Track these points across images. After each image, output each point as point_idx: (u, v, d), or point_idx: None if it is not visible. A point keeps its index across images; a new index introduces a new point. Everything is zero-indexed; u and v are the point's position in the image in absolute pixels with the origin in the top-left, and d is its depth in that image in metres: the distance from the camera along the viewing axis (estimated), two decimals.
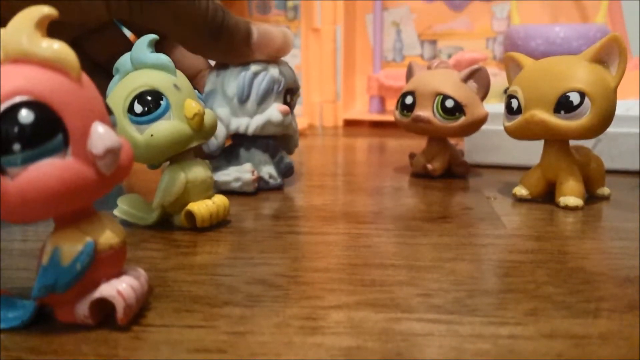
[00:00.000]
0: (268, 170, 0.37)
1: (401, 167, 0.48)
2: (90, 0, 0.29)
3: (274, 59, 0.36)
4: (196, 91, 0.29)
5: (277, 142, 0.38)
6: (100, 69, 0.35)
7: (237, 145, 0.37)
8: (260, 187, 0.37)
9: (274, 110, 0.36)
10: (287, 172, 0.39)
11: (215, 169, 0.36)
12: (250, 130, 0.36)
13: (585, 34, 0.73)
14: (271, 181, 0.37)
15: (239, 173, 0.36)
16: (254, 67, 0.35)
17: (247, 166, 0.36)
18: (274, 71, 0.36)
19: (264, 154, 0.37)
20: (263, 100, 0.35)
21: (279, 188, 0.38)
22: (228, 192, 0.35)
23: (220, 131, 0.35)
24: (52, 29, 0.16)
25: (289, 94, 0.37)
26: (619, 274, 0.23)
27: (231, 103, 0.35)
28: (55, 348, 0.17)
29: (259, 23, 0.35)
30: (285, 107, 0.36)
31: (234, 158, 0.37)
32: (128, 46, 0.28)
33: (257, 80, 0.35)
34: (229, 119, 0.36)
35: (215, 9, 0.32)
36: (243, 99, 0.35)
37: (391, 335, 0.17)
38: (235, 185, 0.36)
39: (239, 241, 0.27)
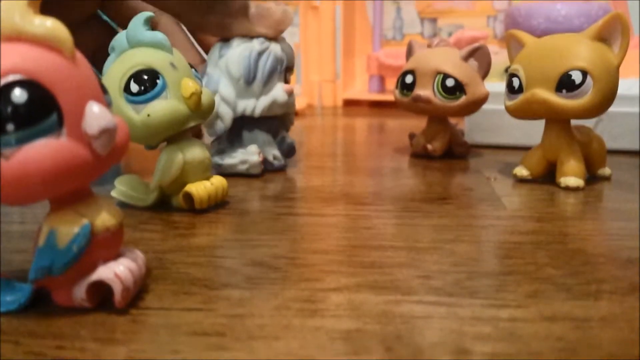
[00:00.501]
0: (272, 152, 0.37)
1: (401, 148, 0.47)
2: None
3: (274, 34, 0.35)
4: (193, 70, 0.28)
5: (278, 121, 0.38)
6: None
7: (240, 127, 0.36)
8: (265, 169, 0.37)
9: (279, 90, 0.35)
10: (289, 152, 0.39)
11: (218, 152, 0.36)
12: (257, 112, 0.35)
13: (587, 12, 0.73)
14: (275, 162, 0.37)
15: (245, 155, 0.35)
16: (257, 46, 0.34)
17: (253, 148, 0.35)
18: (276, 49, 0.35)
19: (267, 135, 0.37)
20: (269, 80, 0.35)
21: (282, 169, 0.38)
22: (233, 175, 0.35)
23: (227, 113, 0.35)
24: None
25: (287, 72, 0.37)
26: (620, 255, 0.23)
27: (237, 84, 0.35)
28: (53, 331, 0.17)
29: (257, 2, 0.35)
30: (290, 86, 0.36)
31: (237, 140, 0.36)
32: (113, 37, 0.28)
33: (262, 60, 0.34)
34: (235, 101, 0.35)
35: None
36: (250, 80, 0.34)
37: (391, 317, 0.17)
38: (242, 167, 0.35)
39: (238, 223, 0.27)
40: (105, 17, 0.36)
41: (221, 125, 0.35)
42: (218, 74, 0.35)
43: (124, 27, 0.27)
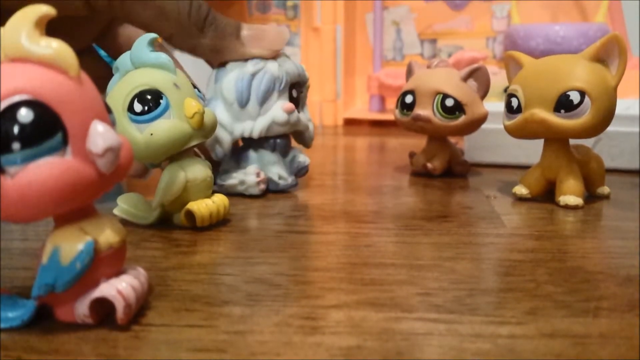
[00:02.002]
0: (277, 171, 0.36)
1: (401, 166, 0.48)
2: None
3: (269, 54, 0.35)
4: (196, 90, 0.29)
5: (287, 140, 0.37)
6: None
7: (246, 147, 0.36)
8: (271, 189, 0.37)
9: (277, 110, 0.35)
10: (299, 171, 0.38)
11: (224, 172, 0.36)
12: (255, 134, 0.35)
13: (585, 33, 0.73)
14: (281, 182, 0.36)
15: (244, 176, 0.35)
16: (250, 67, 0.34)
17: (251, 168, 0.35)
18: (272, 68, 0.34)
19: (273, 154, 0.36)
20: (264, 100, 0.34)
21: (290, 188, 0.37)
22: (236, 195, 0.35)
23: (225, 138, 0.35)
24: None
25: (295, 88, 0.36)
26: (619, 273, 0.23)
27: (232, 108, 0.34)
28: (55, 347, 0.17)
29: (250, 24, 0.35)
30: (289, 105, 0.35)
31: (243, 160, 0.36)
32: (108, 71, 0.28)
33: (255, 81, 0.34)
34: (232, 125, 0.35)
35: (200, 4, 0.32)
36: (243, 103, 0.34)
37: (391, 334, 0.17)
38: (241, 188, 0.35)
39: (239, 240, 0.27)
40: (100, 51, 0.36)
41: (220, 150, 0.35)
42: (215, 101, 0.35)
43: (124, 51, 0.27)
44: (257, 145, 0.36)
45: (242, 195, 0.36)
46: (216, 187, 0.35)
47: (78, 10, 0.29)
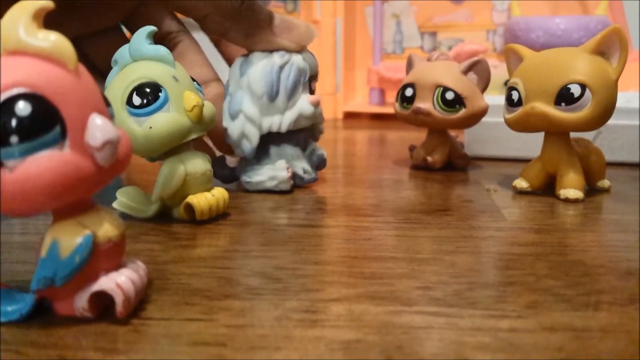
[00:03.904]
0: (302, 165, 0.36)
1: (401, 160, 0.48)
2: None
3: (297, 48, 0.34)
4: (195, 83, 0.28)
5: (308, 133, 0.36)
6: (96, 71, 0.34)
7: (267, 142, 0.35)
8: (296, 184, 0.36)
9: (305, 103, 0.34)
10: (320, 164, 0.37)
11: (245, 169, 0.35)
12: (284, 127, 0.34)
13: (585, 26, 0.73)
14: (306, 176, 0.36)
15: (274, 171, 0.34)
16: (278, 60, 0.33)
17: (281, 163, 0.34)
18: (298, 60, 0.34)
19: (296, 148, 0.36)
20: (293, 93, 0.34)
21: (313, 182, 0.37)
22: (261, 192, 0.35)
23: (253, 133, 0.34)
24: (51, 27, 0.16)
25: (312, 80, 0.36)
26: (620, 266, 0.23)
27: (260, 102, 0.33)
28: (55, 341, 0.17)
29: (281, 15, 0.34)
30: (316, 98, 0.34)
31: (265, 156, 0.35)
32: None
33: (284, 74, 0.33)
34: (260, 120, 0.34)
35: None
36: (273, 96, 0.33)
37: (391, 328, 0.17)
38: (271, 184, 0.34)
39: (239, 234, 0.27)
40: (125, 30, 0.36)
41: (248, 145, 0.34)
42: (241, 94, 0.34)
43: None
44: (279, 139, 0.35)
45: (242, 189, 0.35)
46: (239, 186, 0.35)
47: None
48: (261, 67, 0.33)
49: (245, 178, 0.35)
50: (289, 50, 0.34)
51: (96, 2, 0.29)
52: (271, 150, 0.35)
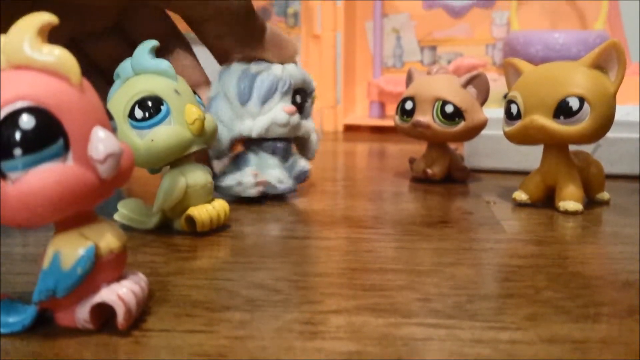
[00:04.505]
0: (276, 174, 0.36)
1: (401, 172, 0.48)
2: None
3: (279, 62, 0.35)
4: (196, 96, 0.29)
5: (288, 144, 0.37)
6: (97, 71, 0.34)
7: (247, 150, 0.36)
8: (268, 192, 0.36)
9: (279, 111, 0.34)
10: (299, 176, 0.37)
11: (222, 173, 0.36)
12: (255, 133, 0.34)
13: (584, 40, 0.74)
14: (280, 185, 0.36)
15: (240, 177, 0.35)
16: (254, 67, 0.34)
17: (249, 169, 0.35)
18: (276, 69, 0.35)
19: (272, 157, 0.36)
20: (266, 100, 0.34)
21: (289, 192, 0.37)
22: (233, 197, 0.35)
23: (224, 135, 0.35)
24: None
25: (299, 94, 0.36)
26: (619, 278, 0.23)
27: (233, 105, 0.34)
28: (56, 352, 0.17)
29: (271, 27, 0.35)
30: (291, 107, 0.35)
31: (243, 163, 0.36)
32: (130, 53, 0.28)
33: (258, 80, 0.34)
34: (232, 123, 0.35)
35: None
36: (244, 100, 0.34)
37: (391, 340, 0.17)
38: (238, 189, 0.35)
39: (239, 246, 0.27)
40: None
41: (218, 147, 0.35)
42: (218, 97, 0.35)
43: (145, 39, 0.27)
44: (257, 148, 0.36)
45: (242, 200, 0.36)
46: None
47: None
48: (237, 73, 0.35)
49: (217, 182, 0.36)
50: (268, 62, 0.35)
51: (89, 1, 0.29)
52: (249, 158, 0.36)
